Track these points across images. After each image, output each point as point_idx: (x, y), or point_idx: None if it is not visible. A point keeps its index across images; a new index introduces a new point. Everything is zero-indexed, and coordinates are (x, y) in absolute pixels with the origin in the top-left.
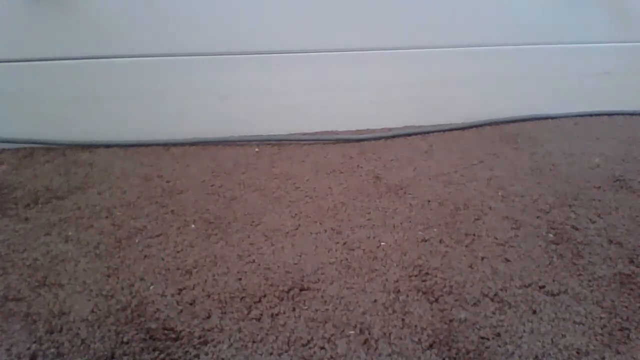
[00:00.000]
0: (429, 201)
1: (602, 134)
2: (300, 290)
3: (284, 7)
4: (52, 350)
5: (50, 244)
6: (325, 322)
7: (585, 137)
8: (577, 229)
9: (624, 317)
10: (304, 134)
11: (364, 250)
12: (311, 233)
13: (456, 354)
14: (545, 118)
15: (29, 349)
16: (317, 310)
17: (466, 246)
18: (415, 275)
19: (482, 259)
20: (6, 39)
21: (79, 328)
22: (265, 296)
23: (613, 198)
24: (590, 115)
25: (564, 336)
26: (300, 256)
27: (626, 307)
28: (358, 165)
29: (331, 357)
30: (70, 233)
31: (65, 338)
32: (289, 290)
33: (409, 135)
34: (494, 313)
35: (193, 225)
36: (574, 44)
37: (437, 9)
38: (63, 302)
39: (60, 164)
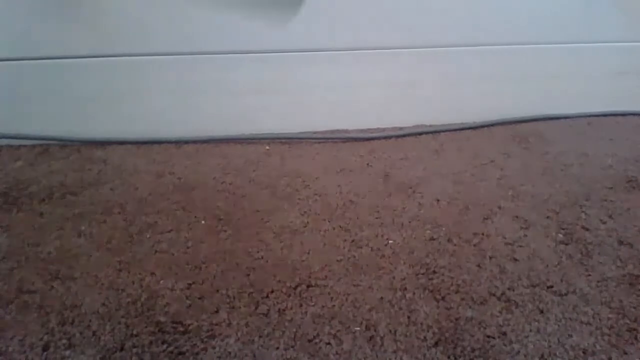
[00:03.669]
0: (438, 200)
1: (616, 134)
2: (308, 286)
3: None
4: (64, 341)
5: (63, 238)
6: (332, 318)
7: (598, 138)
8: (587, 229)
9: (632, 317)
10: (315, 132)
11: (371, 248)
12: (319, 231)
13: (461, 352)
14: (558, 118)
15: (41, 339)
16: (323, 306)
17: (474, 245)
18: (423, 274)
19: (490, 258)
20: (23, 37)
21: (90, 320)
22: (272, 292)
23: (625, 199)
24: (604, 115)
25: (570, 336)
26: (308, 253)
27: (634, 307)
28: (368, 164)
29: (337, 353)
30: (83, 228)
31: (77, 330)
32: (297, 286)
33: (420, 134)
34: (500, 312)
35: (203, 222)
36: (588, 43)
37: (449, 7)
38: (75, 295)
39: (74, 160)
